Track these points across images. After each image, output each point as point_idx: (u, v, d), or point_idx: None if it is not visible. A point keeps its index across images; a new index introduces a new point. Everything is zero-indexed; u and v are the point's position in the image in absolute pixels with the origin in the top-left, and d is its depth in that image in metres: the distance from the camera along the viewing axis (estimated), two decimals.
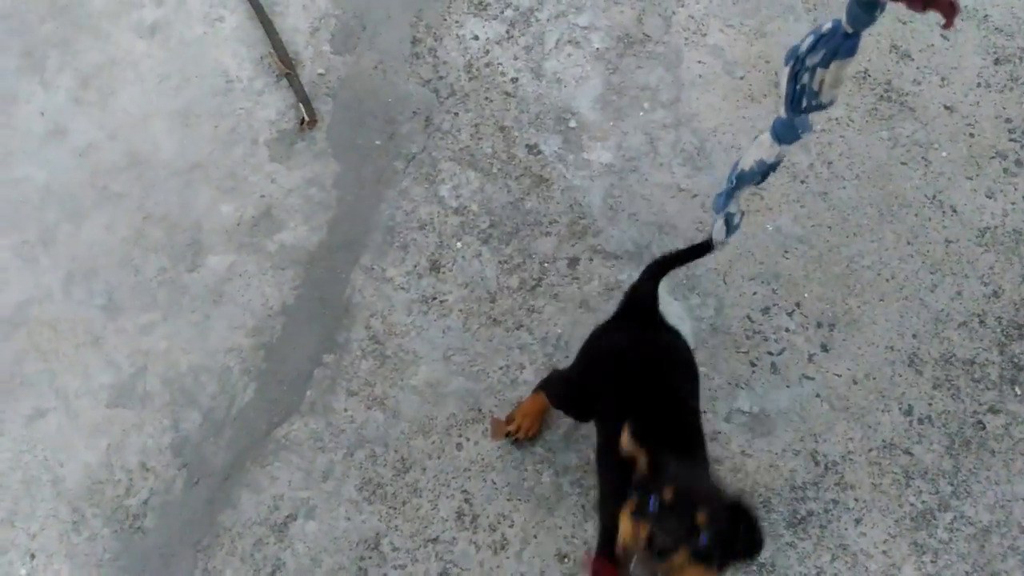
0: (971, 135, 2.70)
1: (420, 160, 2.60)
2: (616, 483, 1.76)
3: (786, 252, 2.52)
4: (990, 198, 2.63)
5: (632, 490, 1.50)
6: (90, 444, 2.22)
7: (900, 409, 2.35)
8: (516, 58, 2.73)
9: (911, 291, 2.49)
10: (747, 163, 1.53)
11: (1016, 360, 2.42)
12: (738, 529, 1.46)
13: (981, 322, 2.47)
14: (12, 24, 2.64)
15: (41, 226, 2.41)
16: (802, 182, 2.60)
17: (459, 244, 2.51)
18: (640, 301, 1.95)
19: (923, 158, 2.66)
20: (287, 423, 2.27)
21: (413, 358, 2.37)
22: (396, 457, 2.25)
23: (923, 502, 2.27)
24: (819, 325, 2.44)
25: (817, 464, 2.29)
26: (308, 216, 2.51)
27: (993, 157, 2.68)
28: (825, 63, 1.25)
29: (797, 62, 1.30)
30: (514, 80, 2.70)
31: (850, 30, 1.20)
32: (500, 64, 2.72)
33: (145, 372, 2.30)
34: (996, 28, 2.85)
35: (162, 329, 2.35)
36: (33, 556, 2.12)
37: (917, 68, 2.77)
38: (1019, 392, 2.39)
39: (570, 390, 2.06)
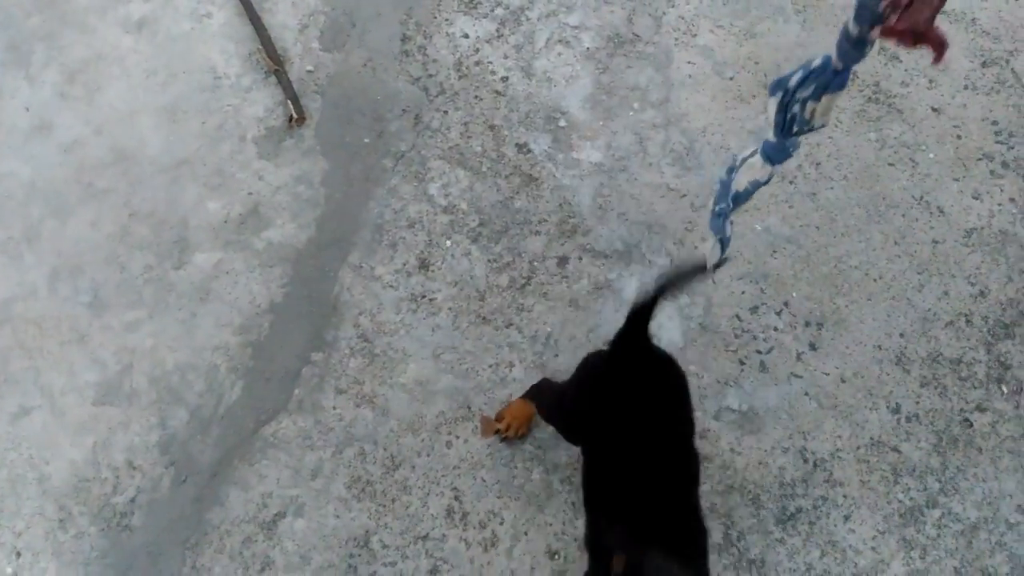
0: (958, 137, 2.80)
1: (409, 158, 2.67)
2: (601, 517, 1.84)
3: (774, 252, 2.61)
4: (977, 199, 2.73)
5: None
6: (76, 442, 2.27)
7: (888, 407, 2.44)
8: (506, 57, 2.81)
9: (898, 291, 2.58)
10: (741, 185, 1.58)
11: (1002, 359, 2.52)
12: None
13: (968, 321, 2.56)
14: None
15: (26, 222, 2.46)
16: (790, 182, 2.69)
17: (448, 242, 2.58)
18: (635, 331, 1.96)
19: (910, 159, 2.76)
20: (275, 421, 2.33)
21: (402, 356, 2.43)
22: (385, 455, 2.31)
23: (911, 499, 2.35)
24: (807, 324, 2.53)
25: (806, 461, 2.37)
26: (296, 214, 2.57)
27: (980, 159, 2.78)
28: (816, 96, 1.28)
29: (786, 94, 1.33)
30: (504, 79, 2.78)
31: (840, 66, 1.23)
32: (490, 63, 2.80)
33: (131, 370, 2.35)
34: (983, 31, 2.96)
35: (148, 327, 2.40)
36: (19, 554, 2.17)
37: (905, 70, 2.87)
38: (1005, 391, 2.49)
39: (561, 412, 2.10)
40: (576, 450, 2.30)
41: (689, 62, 2.85)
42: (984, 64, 2.91)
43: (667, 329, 2.49)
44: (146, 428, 2.29)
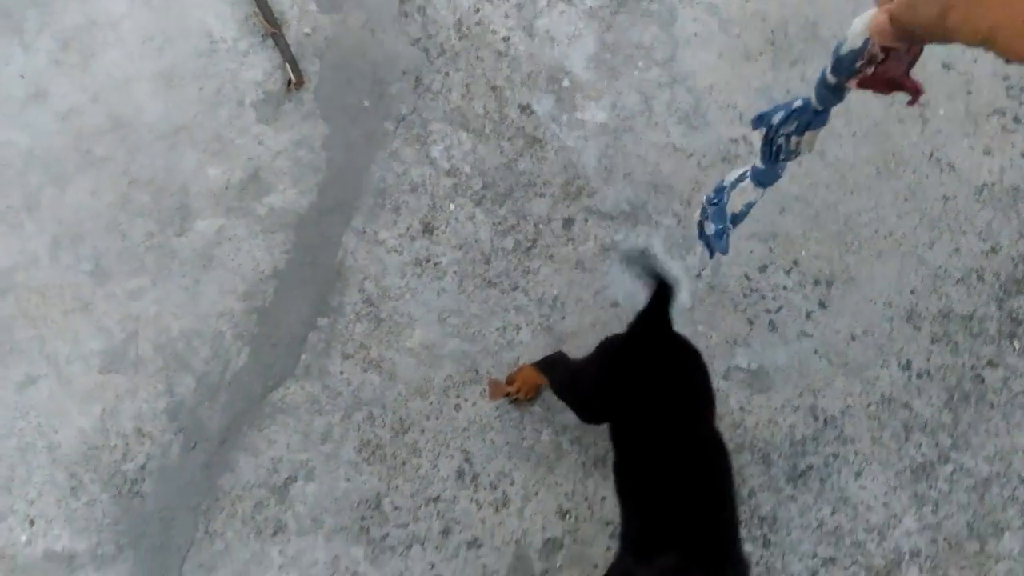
0: (969, 93, 2.90)
1: (410, 121, 2.77)
2: (635, 506, 1.93)
3: (783, 210, 2.71)
4: (988, 155, 2.83)
5: None
6: (84, 410, 2.38)
7: (899, 364, 2.56)
8: (507, 16, 2.90)
9: (909, 248, 2.70)
10: (736, 207, 1.64)
11: (1014, 315, 2.63)
12: None
13: (979, 278, 2.67)
14: None
15: (25, 191, 2.56)
16: None
17: (452, 206, 2.68)
18: (653, 322, 2.05)
19: (921, 116, 2.86)
20: (283, 387, 2.44)
21: (408, 320, 2.54)
22: (394, 418, 2.42)
23: (923, 455, 2.47)
24: (817, 282, 2.64)
25: (816, 419, 2.49)
26: (297, 179, 2.67)
27: (991, 114, 2.88)
28: (800, 132, 1.36)
29: (770, 130, 1.39)
30: (505, 39, 2.87)
31: (820, 108, 1.29)
32: (491, 23, 2.89)
33: (136, 337, 2.46)
34: None
35: (152, 294, 2.51)
36: (32, 522, 2.28)
37: None
38: (1017, 346, 2.60)
39: (576, 393, 2.20)
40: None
41: (694, 19, 2.94)
42: None
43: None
44: (153, 395, 2.41)
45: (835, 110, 1.29)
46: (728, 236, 1.71)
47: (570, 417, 2.44)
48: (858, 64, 1.13)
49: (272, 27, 2.78)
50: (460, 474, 2.38)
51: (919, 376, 2.55)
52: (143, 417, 2.39)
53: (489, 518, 2.34)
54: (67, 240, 2.53)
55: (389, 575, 2.29)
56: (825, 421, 2.49)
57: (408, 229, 2.63)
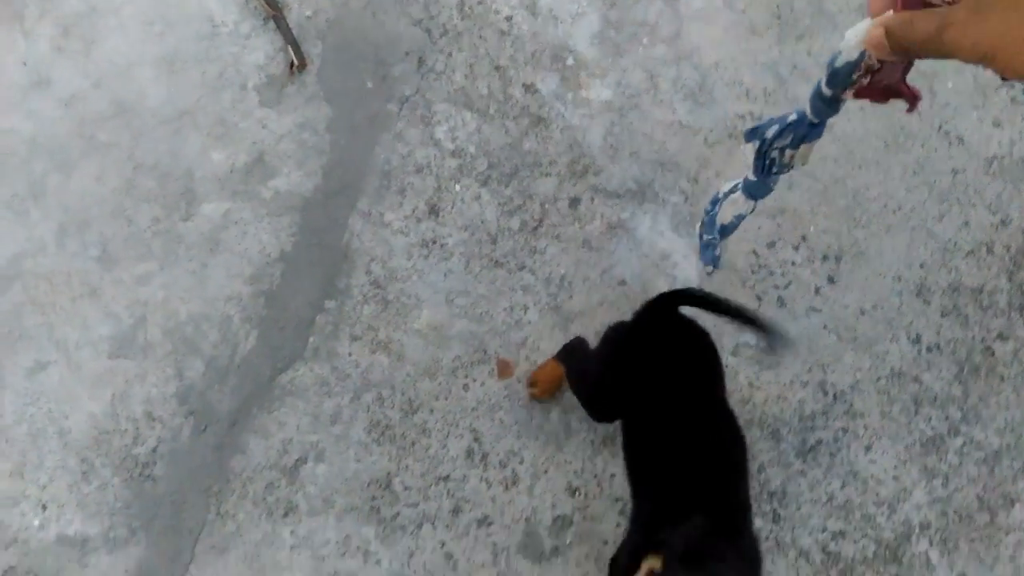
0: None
1: (414, 102, 2.85)
2: (646, 490, 1.97)
3: (791, 186, 2.79)
4: (997, 127, 2.90)
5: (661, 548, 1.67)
6: (94, 395, 2.48)
7: (908, 338, 2.64)
8: None
9: (918, 221, 2.77)
10: (726, 218, 1.66)
11: None
12: None
13: (989, 250, 2.75)
14: None
15: (30, 178, 2.65)
16: None
17: (457, 187, 2.76)
18: (658, 312, 2.09)
19: (929, 89, 2.93)
20: (291, 369, 2.53)
21: (415, 302, 2.63)
22: (403, 399, 2.51)
23: (933, 428, 2.56)
24: (825, 258, 2.72)
25: (826, 394, 2.57)
26: (302, 162, 2.75)
27: (1000, 86, 2.95)
28: (795, 146, 1.36)
29: (764, 143, 1.40)
30: (508, 18, 2.95)
31: (816, 120, 1.30)
32: (493, 2, 2.96)
33: (145, 322, 2.55)
34: None
35: (159, 279, 2.60)
36: (45, 507, 2.38)
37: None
38: None
39: (585, 387, 2.26)
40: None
41: None
42: None
43: (682, 268, 2.68)
44: (163, 379, 2.50)
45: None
46: (715, 249, 1.73)
47: None
48: (855, 76, 1.14)
49: (273, 10, 2.86)
50: (469, 453, 2.47)
51: (929, 350, 2.63)
52: (153, 401, 2.48)
53: (499, 496, 2.43)
54: (73, 227, 2.62)
55: (400, 554, 2.39)
56: (834, 396, 2.57)
57: (414, 211, 2.71)
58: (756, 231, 2.72)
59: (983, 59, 0.86)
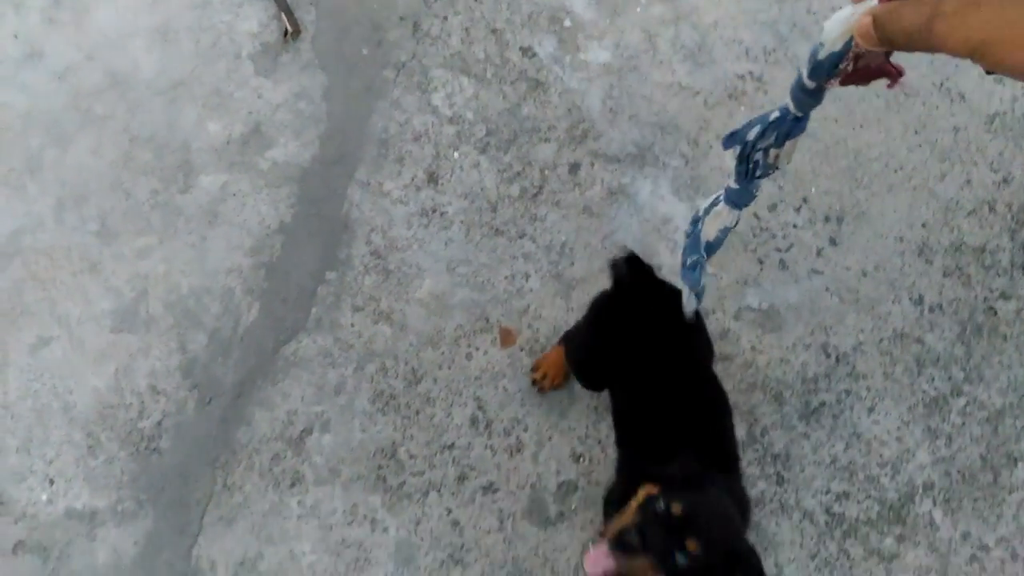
0: None
1: (410, 68, 2.83)
2: (633, 440, 2.01)
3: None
4: (999, 83, 2.89)
5: (657, 479, 1.68)
6: (97, 370, 2.49)
7: (911, 299, 2.65)
8: None
9: (920, 181, 2.77)
10: (710, 234, 1.63)
11: None
12: (734, 572, 1.61)
13: (991, 209, 2.75)
14: None
15: (26, 153, 2.64)
16: None
17: (456, 154, 2.75)
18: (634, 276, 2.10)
19: None
20: (295, 341, 2.54)
21: (416, 271, 2.63)
22: (407, 369, 2.53)
23: (936, 388, 2.57)
24: (827, 219, 2.72)
25: (828, 356, 2.58)
26: (299, 131, 2.74)
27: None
28: (780, 143, 1.35)
29: (746, 147, 1.38)
30: None
31: (800, 114, 1.28)
32: None
33: (146, 296, 2.55)
34: None
35: (159, 252, 2.60)
36: (52, 481, 2.40)
37: None
38: None
39: (575, 351, 2.29)
40: None
41: None
42: None
43: (683, 232, 2.67)
44: (166, 353, 2.51)
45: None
46: (702, 269, 1.70)
47: None
48: (842, 65, 1.12)
49: None
50: (474, 421, 2.48)
51: (931, 310, 2.64)
52: (157, 375, 2.49)
53: (504, 463, 2.45)
54: (71, 201, 2.62)
55: (407, 521, 2.41)
56: (837, 358, 2.58)
57: (413, 179, 2.71)
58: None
59: (973, 53, 0.83)
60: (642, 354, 2.00)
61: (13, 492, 2.39)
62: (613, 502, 1.84)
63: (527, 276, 2.63)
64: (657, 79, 2.84)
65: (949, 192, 2.76)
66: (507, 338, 2.55)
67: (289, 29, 2.80)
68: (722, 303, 2.60)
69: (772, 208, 2.71)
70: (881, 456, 2.51)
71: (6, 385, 2.46)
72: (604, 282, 2.55)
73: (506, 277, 2.63)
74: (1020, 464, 2.53)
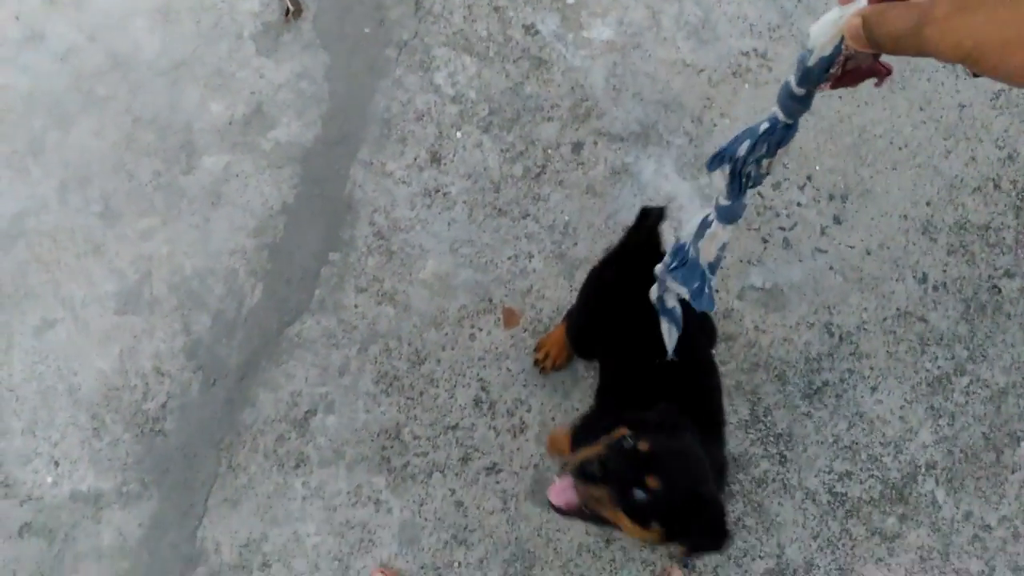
0: None
1: (412, 47, 2.80)
2: (615, 400, 2.01)
3: None
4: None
5: (633, 424, 1.64)
6: (102, 352, 2.49)
7: (915, 277, 2.63)
8: None
9: (924, 158, 2.74)
10: (710, 255, 1.60)
11: None
12: (694, 517, 1.57)
13: (996, 186, 2.72)
14: None
15: (29, 135, 2.63)
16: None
17: (459, 134, 2.73)
18: (641, 241, 2.07)
19: None
20: (298, 322, 2.54)
21: (420, 252, 2.62)
22: (410, 350, 2.52)
23: (939, 367, 2.56)
24: (831, 197, 2.69)
25: (832, 335, 2.57)
26: (301, 111, 2.72)
27: None
28: (771, 153, 1.32)
29: (737, 163, 1.36)
30: None
31: (790, 121, 1.26)
32: None
33: (150, 278, 2.55)
34: None
35: (162, 234, 2.59)
36: (57, 463, 2.41)
37: None
38: None
39: (570, 318, 2.29)
40: None
41: None
42: None
43: (687, 211, 2.66)
44: (170, 334, 2.51)
45: None
46: (711, 289, 1.66)
47: None
48: (832, 69, 1.10)
49: None
50: (477, 402, 2.48)
51: (935, 288, 2.62)
52: (161, 356, 2.49)
53: (507, 444, 2.45)
54: (74, 183, 2.60)
55: (411, 502, 2.42)
56: (840, 337, 2.57)
57: (416, 159, 2.69)
58: None
59: (966, 59, 0.80)
60: (636, 320, 1.95)
61: (19, 474, 2.40)
62: (580, 437, 1.81)
63: (530, 256, 2.62)
64: (661, 56, 2.81)
65: (954, 169, 2.73)
66: (510, 319, 2.54)
67: (290, 8, 2.77)
68: (725, 283, 2.59)
69: (776, 186, 2.69)
70: (884, 435, 2.51)
71: (11, 367, 2.47)
72: None
73: (509, 257, 2.61)
74: (1023, 443, 2.52)
